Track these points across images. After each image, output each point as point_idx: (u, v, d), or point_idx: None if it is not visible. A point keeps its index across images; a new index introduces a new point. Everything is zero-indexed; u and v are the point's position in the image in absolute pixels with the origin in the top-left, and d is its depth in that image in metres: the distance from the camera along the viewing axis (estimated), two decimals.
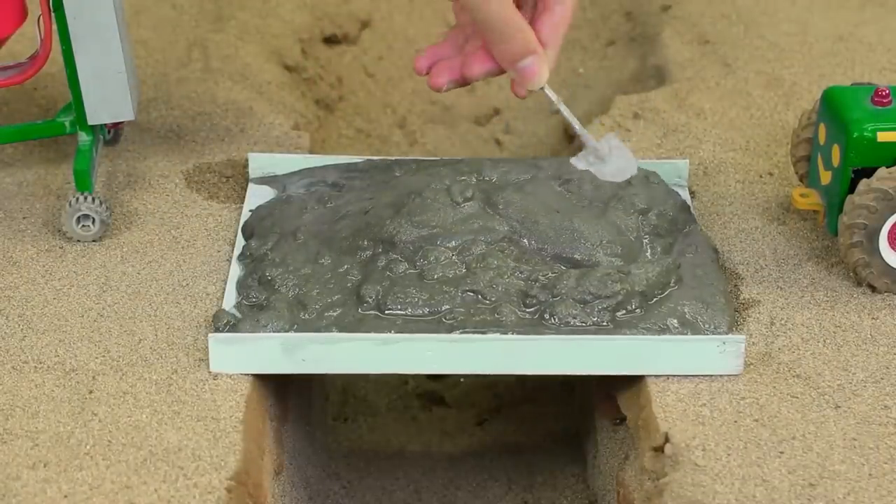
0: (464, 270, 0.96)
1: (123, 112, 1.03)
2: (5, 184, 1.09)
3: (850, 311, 0.98)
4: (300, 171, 1.08)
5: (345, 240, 0.98)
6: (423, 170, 1.06)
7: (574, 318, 0.93)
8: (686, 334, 0.93)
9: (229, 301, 0.96)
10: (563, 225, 0.98)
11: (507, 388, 1.26)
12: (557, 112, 0.95)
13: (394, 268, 0.96)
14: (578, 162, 0.95)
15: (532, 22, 0.93)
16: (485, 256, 0.96)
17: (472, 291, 0.94)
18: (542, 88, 0.93)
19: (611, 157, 0.94)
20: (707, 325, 0.94)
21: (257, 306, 0.95)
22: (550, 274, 0.95)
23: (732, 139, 1.16)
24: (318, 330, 0.92)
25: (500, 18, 0.91)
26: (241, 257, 1.00)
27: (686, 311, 0.94)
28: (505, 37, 0.92)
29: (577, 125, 0.94)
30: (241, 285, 0.97)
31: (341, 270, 0.96)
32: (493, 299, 0.94)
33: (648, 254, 0.98)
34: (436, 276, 0.95)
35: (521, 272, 0.95)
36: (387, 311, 0.93)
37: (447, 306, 0.93)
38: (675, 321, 0.93)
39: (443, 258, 0.96)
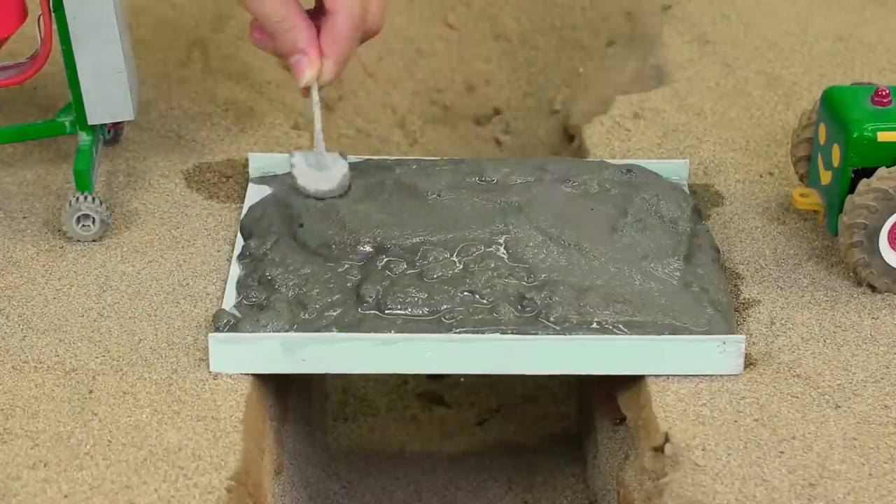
0: (461, 269, 0.96)
1: (123, 112, 1.03)
2: (5, 183, 1.09)
3: (851, 310, 0.98)
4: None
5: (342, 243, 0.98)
6: (422, 170, 1.06)
7: (572, 318, 0.93)
8: (686, 334, 0.93)
9: (229, 301, 0.96)
10: (571, 258, 0.97)
11: (507, 388, 1.26)
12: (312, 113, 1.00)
13: (393, 267, 0.96)
14: (294, 156, 1.01)
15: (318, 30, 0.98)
16: (482, 258, 0.96)
17: (470, 292, 0.94)
18: (311, 91, 0.98)
19: (325, 170, 1.01)
20: (696, 325, 0.93)
21: (257, 306, 0.94)
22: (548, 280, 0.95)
23: (732, 139, 1.16)
24: (318, 330, 0.92)
25: (273, 17, 0.97)
26: (241, 257, 1.00)
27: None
28: (276, 34, 0.98)
29: (318, 130, 1.00)
30: (241, 285, 0.97)
31: (341, 270, 0.97)
32: (490, 300, 0.94)
33: (654, 281, 0.97)
34: (435, 276, 0.95)
35: (516, 277, 0.95)
36: (386, 311, 0.93)
37: (446, 306, 0.93)
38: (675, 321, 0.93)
39: (441, 258, 0.96)
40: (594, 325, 0.92)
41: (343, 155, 1.02)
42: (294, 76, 0.99)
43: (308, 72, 0.98)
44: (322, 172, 1.02)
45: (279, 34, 0.98)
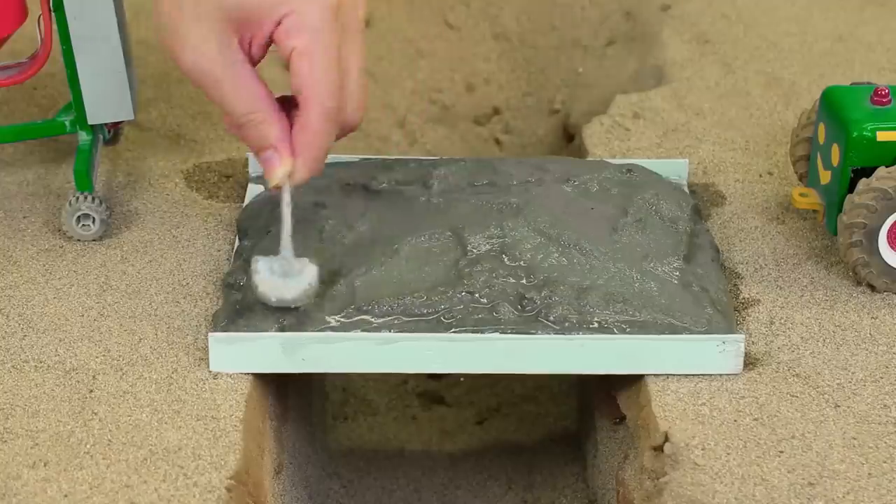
0: (459, 270, 0.95)
1: (123, 112, 1.03)
2: (5, 183, 1.09)
3: (850, 310, 0.98)
4: None
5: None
6: (420, 170, 1.06)
7: (572, 318, 0.93)
8: (685, 333, 0.93)
9: None
10: (571, 258, 0.97)
11: (507, 388, 1.26)
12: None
13: (382, 267, 0.96)
14: (258, 262, 0.91)
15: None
16: (481, 258, 0.96)
17: (469, 292, 0.94)
18: (283, 190, 0.89)
19: (291, 278, 0.91)
20: (696, 324, 0.93)
21: (238, 308, 0.94)
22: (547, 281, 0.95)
23: (732, 139, 1.17)
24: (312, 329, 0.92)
25: (241, 108, 0.87)
26: (236, 257, 1.00)
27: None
28: (245, 127, 0.88)
29: (286, 236, 0.91)
30: (226, 285, 0.97)
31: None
32: (489, 300, 0.94)
33: (654, 286, 0.97)
34: (433, 277, 0.95)
35: (515, 277, 0.95)
36: (371, 314, 0.93)
37: (445, 306, 0.93)
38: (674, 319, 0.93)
39: (440, 259, 0.96)
40: (594, 325, 0.92)
41: (311, 262, 0.92)
42: (265, 174, 0.89)
43: (279, 171, 0.88)
44: (287, 280, 0.91)
45: (248, 127, 0.87)
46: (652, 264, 0.97)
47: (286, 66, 0.87)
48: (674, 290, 0.95)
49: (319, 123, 0.87)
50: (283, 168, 0.88)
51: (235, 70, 0.86)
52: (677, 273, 0.97)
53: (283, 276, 0.91)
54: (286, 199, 0.90)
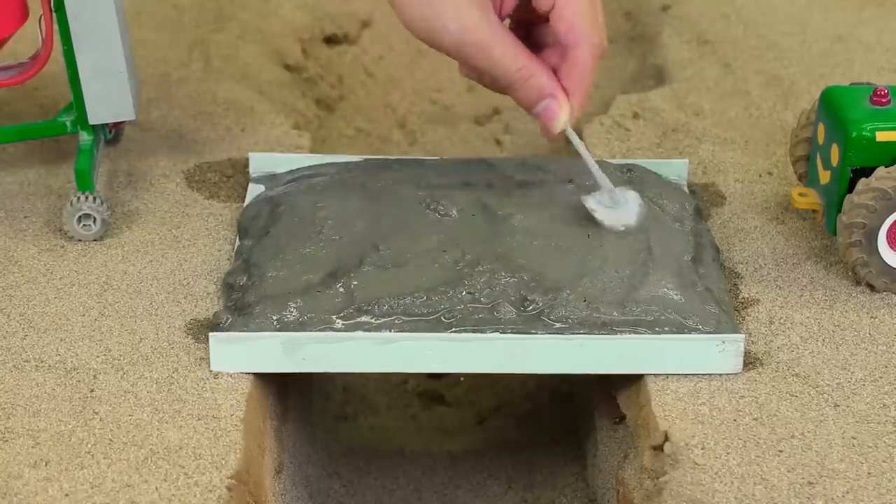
0: (458, 270, 0.95)
1: (124, 112, 1.03)
2: (6, 183, 1.09)
3: (849, 310, 0.98)
4: (292, 171, 1.08)
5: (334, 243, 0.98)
6: (420, 170, 1.06)
7: (573, 318, 0.93)
8: (684, 332, 0.93)
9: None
10: (573, 258, 0.97)
11: (507, 387, 1.26)
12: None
13: (381, 268, 0.96)
14: (588, 201, 0.96)
15: (557, 66, 0.92)
16: (481, 259, 0.96)
17: (469, 293, 0.94)
18: (567, 133, 0.93)
19: (622, 206, 0.96)
20: (704, 324, 0.94)
21: (237, 308, 0.94)
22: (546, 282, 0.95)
23: (732, 139, 1.17)
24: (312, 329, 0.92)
25: (504, 70, 0.90)
26: (236, 257, 1.00)
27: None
28: (515, 85, 0.91)
29: (596, 171, 0.95)
30: (226, 285, 0.97)
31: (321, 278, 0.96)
32: (490, 300, 0.94)
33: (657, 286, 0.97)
34: (432, 277, 0.95)
35: (516, 277, 0.95)
36: (371, 313, 0.93)
37: (445, 306, 0.93)
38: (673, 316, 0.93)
39: (438, 260, 0.96)
40: (598, 325, 0.92)
41: (628, 188, 0.98)
42: (545, 123, 0.92)
43: (563, 116, 0.91)
44: (619, 208, 0.97)
45: (521, 83, 0.90)
46: (659, 265, 0.96)
47: (539, 17, 0.92)
48: (681, 291, 0.95)
49: (589, 59, 0.91)
50: (565, 112, 0.92)
51: (499, 33, 0.90)
52: (684, 274, 0.96)
53: (615, 205, 0.96)
54: (575, 139, 0.93)
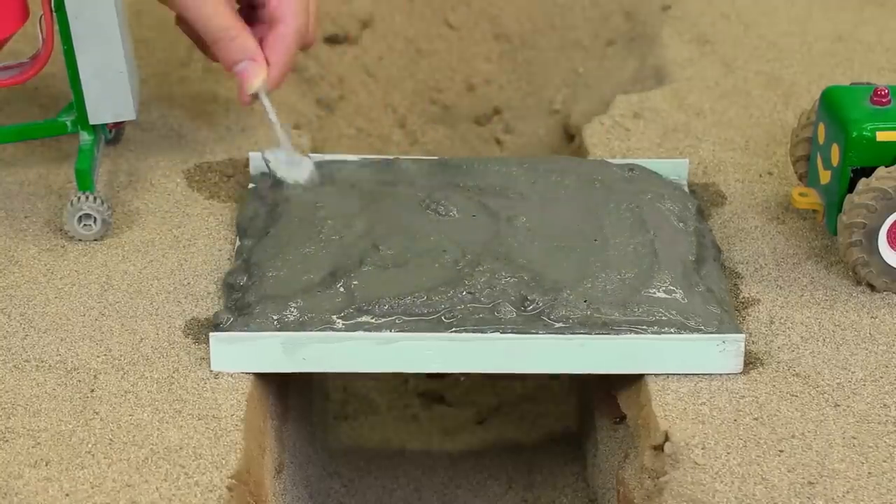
0: (459, 270, 0.95)
1: (125, 111, 1.03)
2: (7, 183, 1.09)
3: (850, 309, 0.98)
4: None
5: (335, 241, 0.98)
6: (420, 170, 1.06)
7: (574, 318, 0.93)
8: (686, 332, 0.93)
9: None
10: (574, 258, 0.97)
11: (507, 387, 1.26)
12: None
13: (379, 266, 0.96)
14: (266, 154, 1.01)
15: (264, 39, 1.00)
16: (479, 261, 0.96)
17: (469, 293, 0.94)
18: (259, 96, 1.00)
19: (296, 165, 1.01)
20: (707, 324, 0.94)
21: (243, 307, 0.94)
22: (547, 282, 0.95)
23: (732, 139, 1.17)
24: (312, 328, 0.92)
25: (214, 25, 0.99)
26: (236, 256, 1.00)
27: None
28: (220, 43, 0.99)
29: (280, 133, 1.00)
30: (226, 285, 0.97)
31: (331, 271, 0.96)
32: (490, 300, 0.94)
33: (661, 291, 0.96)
34: (431, 277, 0.95)
35: (516, 277, 0.95)
36: (370, 313, 0.93)
37: (445, 306, 0.93)
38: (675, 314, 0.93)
39: (438, 260, 0.96)
40: (600, 325, 0.92)
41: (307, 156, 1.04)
42: (241, 83, 1.00)
43: (257, 79, 0.99)
44: (293, 166, 1.02)
45: (224, 42, 0.99)
46: (662, 266, 0.96)
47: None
48: (683, 292, 0.95)
49: (292, 35, 1.00)
50: (261, 75, 1.00)
51: None
52: (686, 275, 0.96)
53: (290, 164, 1.01)
54: (266, 102, 1.00)
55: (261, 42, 1.00)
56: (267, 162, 1.01)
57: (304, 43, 1.03)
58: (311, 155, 1.05)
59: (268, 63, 1.00)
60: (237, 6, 1.03)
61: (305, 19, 1.01)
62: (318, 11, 1.06)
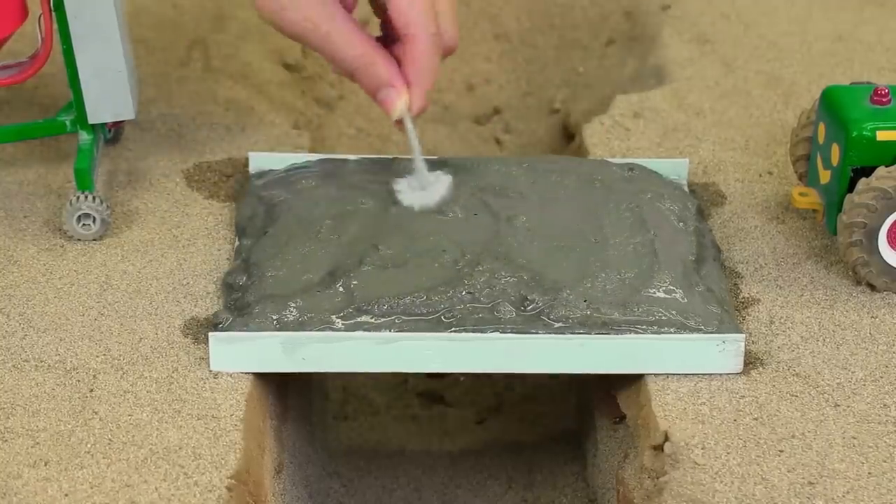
0: (458, 270, 0.95)
1: (124, 111, 1.03)
2: (6, 183, 1.09)
3: (850, 309, 0.98)
4: (289, 168, 1.08)
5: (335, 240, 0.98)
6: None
7: (574, 317, 0.93)
8: (686, 332, 0.93)
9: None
10: (574, 258, 0.97)
11: (507, 387, 1.26)
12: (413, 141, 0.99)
13: (379, 267, 0.95)
14: (397, 183, 1.00)
15: (401, 58, 0.95)
16: (479, 261, 0.96)
17: (469, 292, 0.94)
18: (404, 121, 0.96)
19: (429, 189, 0.99)
20: (707, 324, 0.93)
21: (242, 307, 0.94)
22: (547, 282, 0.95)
23: (732, 138, 1.17)
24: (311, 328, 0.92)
25: (351, 52, 0.94)
26: (236, 256, 1.00)
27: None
28: (357, 71, 0.95)
29: (418, 158, 0.98)
30: (225, 285, 0.97)
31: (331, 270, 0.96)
32: (489, 300, 0.94)
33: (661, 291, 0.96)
34: (431, 277, 0.95)
35: (516, 277, 0.95)
36: (370, 313, 0.93)
37: (445, 306, 0.93)
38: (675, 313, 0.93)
39: (437, 260, 0.96)
40: (600, 325, 0.92)
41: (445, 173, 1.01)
42: (385, 111, 0.96)
43: (400, 104, 0.95)
44: (424, 191, 1.00)
45: (362, 70, 0.94)
46: (663, 266, 0.96)
47: (377, 10, 0.98)
48: (683, 292, 0.95)
49: (429, 51, 0.94)
50: (402, 100, 0.95)
51: (339, 21, 0.94)
52: (687, 275, 0.96)
53: (421, 189, 0.99)
54: (409, 126, 0.96)
55: (400, 61, 0.96)
56: (397, 193, 0.99)
57: (444, 50, 0.97)
58: (441, 176, 1.00)
59: (408, 83, 0.95)
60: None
61: (435, 27, 0.95)
62: (455, 8, 0.99)
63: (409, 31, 0.94)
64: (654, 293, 0.94)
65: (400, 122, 0.96)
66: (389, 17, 0.95)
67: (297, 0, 0.93)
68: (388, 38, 0.97)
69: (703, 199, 1.09)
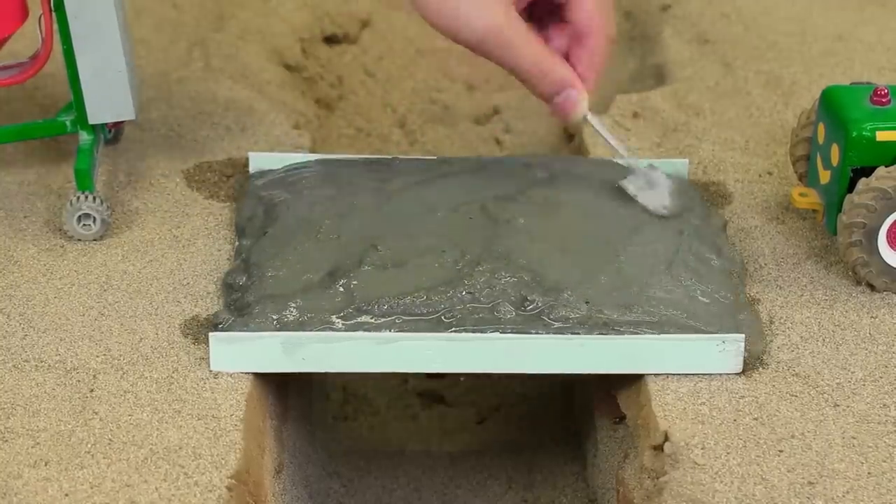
0: (458, 270, 0.95)
1: (124, 111, 1.03)
2: (6, 183, 1.09)
3: (849, 309, 0.98)
4: (286, 168, 1.08)
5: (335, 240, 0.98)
6: (422, 169, 1.06)
7: (574, 317, 0.93)
8: (686, 332, 0.93)
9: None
10: (576, 257, 0.97)
11: (507, 387, 1.26)
12: (603, 141, 0.98)
13: (379, 267, 0.96)
14: (628, 186, 0.99)
15: (568, 51, 0.94)
16: (479, 260, 0.96)
17: (469, 292, 0.94)
18: (587, 119, 0.95)
19: (656, 186, 0.99)
20: (710, 325, 0.93)
21: (242, 307, 0.94)
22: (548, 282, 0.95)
23: (732, 138, 1.17)
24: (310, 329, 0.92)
25: (527, 60, 0.92)
26: (236, 256, 1.00)
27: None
28: (532, 80, 0.93)
29: (623, 151, 0.97)
30: (225, 285, 0.97)
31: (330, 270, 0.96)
32: (489, 300, 0.94)
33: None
34: (431, 277, 0.95)
35: (516, 277, 0.95)
36: (370, 314, 0.93)
37: (445, 306, 0.93)
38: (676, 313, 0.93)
39: (438, 259, 0.96)
40: (597, 325, 0.92)
41: (654, 166, 1.01)
42: (564, 113, 0.95)
43: (582, 104, 0.95)
44: (656, 189, 1.00)
45: (541, 76, 0.93)
46: (664, 266, 0.96)
47: (559, 10, 0.96)
48: (684, 291, 0.95)
49: (604, 48, 0.95)
50: (584, 100, 0.95)
51: (520, 30, 0.93)
52: (688, 274, 0.96)
53: (651, 186, 0.98)
54: (596, 123, 0.96)
55: (564, 53, 0.95)
56: (634, 196, 0.99)
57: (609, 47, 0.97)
58: (654, 170, 1.00)
59: (582, 79, 0.95)
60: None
61: (611, 24, 0.96)
62: (613, 6, 0.99)
63: (592, 28, 0.94)
64: (656, 293, 0.94)
65: (577, 124, 0.96)
66: (569, 9, 0.94)
67: (479, 10, 0.91)
68: (536, 24, 0.96)
69: (702, 199, 1.09)
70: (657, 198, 0.99)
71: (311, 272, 0.95)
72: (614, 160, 1.08)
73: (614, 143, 0.98)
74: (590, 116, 0.96)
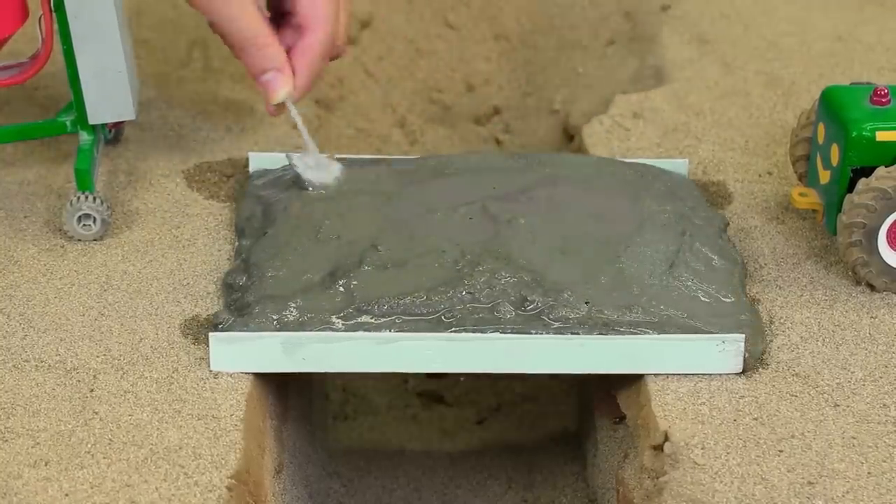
0: (459, 270, 0.95)
1: (124, 111, 1.03)
2: (6, 183, 1.09)
3: (849, 309, 0.98)
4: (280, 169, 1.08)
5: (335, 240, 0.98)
6: (422, 168, 1.06)
7: (574, 317, 0.93)
8: (686, 333, 0.93)
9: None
10: (576, 257, 0.97)
11: (507, 387, 1.26)
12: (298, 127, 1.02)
13: (379, 267, 0.96)
14: (293, 159, 1.03)
15: (291, 47, 0.98)
16: (479, 261, 0.96)
17: (469, 292, 0.94)
18: (287, 105, 0.99)
19: (324, 168, 1.03)
20: (707, 324, 0.94)
21: (242, 307, 0.94)
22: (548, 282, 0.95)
23: (732, 138, 1.17)
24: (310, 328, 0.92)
25: (243, 32, 0.97)
26: (236, 256, 1.00)
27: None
28: (247, 51, 0.97)
29: (307, 136, 1.02)
30: (225, 285, 0.97)
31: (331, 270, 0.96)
32: (489, 300, 0.94)
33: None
34: (431, 277, 0.95)
35: (516, 276, 0.95)
36: (371, 314, 0.93)
37: (445, 306, 0.93)
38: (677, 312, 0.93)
39: (438, 259, 0.96)
40: (597, 325, 0.92)
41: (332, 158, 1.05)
42: (266, 93, 0.99)
43: (283, 89, 0.98)
44: (321, 170, 1.03)
45: (252, 50, 0.97)
46: (665, 265, 0.96)
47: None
48: (685, 291, 0.95)
49: (321, 46, 0.98)
50: (286, 87, 0.98)
51: (248, 5, 0.97)
52: (689, 274, 0.96)
53: (317, 168, 1.03)
54: (293, 110, 1.00)
55: (288, 50, 0.99)
56: (294, 165, 1.02)
57: (333, 52, 1.01)
58: (332, 162, 1.05)
59: (294, 72, 0.99)
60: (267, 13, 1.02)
61: (335, 28, 0.99)
62: (350, 21, 1.04)
63: (312, 22, 0.98)
64: (657, 293, 0.94)
65: (279, 106, 0.99)
66: (294, 5, 0.98)
67: None
68: (279, 25, 1.00)
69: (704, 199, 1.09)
70: (320, 176, 1.03)
71: (311, 272, 0.95)
72: (614, 160, 1.08)
73: (305, 135, 1.02)
74: (289, 103, 0.99)
